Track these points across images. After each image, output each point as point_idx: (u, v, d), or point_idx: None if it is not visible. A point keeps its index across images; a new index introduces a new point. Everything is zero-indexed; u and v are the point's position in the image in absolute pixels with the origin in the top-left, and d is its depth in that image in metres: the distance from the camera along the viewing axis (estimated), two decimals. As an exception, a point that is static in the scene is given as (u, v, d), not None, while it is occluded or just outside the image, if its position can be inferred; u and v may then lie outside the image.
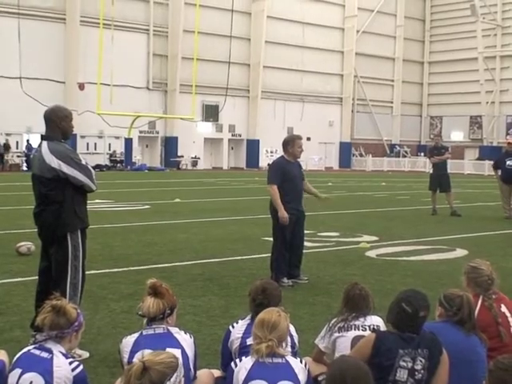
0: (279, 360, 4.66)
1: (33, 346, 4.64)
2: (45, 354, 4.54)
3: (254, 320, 5.08)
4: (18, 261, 12.24)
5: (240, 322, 5.60)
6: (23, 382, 4.47)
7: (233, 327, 5.59)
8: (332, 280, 11.26)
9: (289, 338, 5.07)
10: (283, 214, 10.88)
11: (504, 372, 4.01)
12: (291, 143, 11.30)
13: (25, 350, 4.66)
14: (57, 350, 4.57)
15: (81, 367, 4.57)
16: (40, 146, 7.34)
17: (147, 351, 4.48)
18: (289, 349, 5.03)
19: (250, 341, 5.23)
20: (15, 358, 4.64)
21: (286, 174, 11.08)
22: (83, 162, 7.32)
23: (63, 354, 4.57)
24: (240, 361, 4.79)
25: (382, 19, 72.53)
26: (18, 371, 4.50)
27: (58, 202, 7.22)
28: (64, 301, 4.73)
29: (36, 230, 7.61)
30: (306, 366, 4.83)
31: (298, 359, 4.84)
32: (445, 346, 5.11)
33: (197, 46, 55.05)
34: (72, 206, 7.27)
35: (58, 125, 7.33)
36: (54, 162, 7.13)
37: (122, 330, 7.56)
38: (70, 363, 4.54)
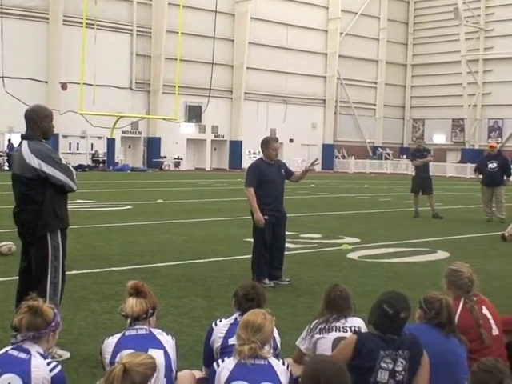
0: (261, 362, 4.65)
1: (10, 347, 4.60)
2: (23, 355, 4.50)
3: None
4: (-1, 261, 12.18)
5: (224, 320, 5.59)
6: (1, 383, 4.43)
7: (215, 325, 5.59)
8: (314, 281, 11.27)
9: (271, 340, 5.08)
10: (259, 216, 10.90)
11: (486, 373, 4.04)
12: (265, 145, 11.31)
13: (2, 350, 4.61)
14: (35, 350, 4.54)
15: (59, 367, 4.54)
16: (20, 145, 7.30)
17: (126, 352, 4.46)
18: (271, 350, 5.04)
19: (232, 341, 5.23)
20: (-7, 359, 4.61)
21: (264, 176, 11.06)
22: (63, 162, 7.30)
23: (41, 355, 4.54)
24: (222, 361, 4.78)
25: (366, 22, 72.76)
26: (-5, 372, 4.47)
27: (38, 201, 7.18)
28: (40, 301, 4.69)
29: (16, 229, 7.58)
30: (288, 367, 4.82)
31: (281, 361, 4.83)
32: (424, 347, 5.13)
33: (180, 46, 54.97)
34: (52, 205, 7.23)
35: (39, 124, 7.29)
36: (34, 161, 7.09)
37: (104, 331, 7.53)
38: (48, 363, 4.51)
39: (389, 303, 5.06)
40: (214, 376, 4.75)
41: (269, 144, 11.32)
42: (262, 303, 5.50)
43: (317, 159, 12.83)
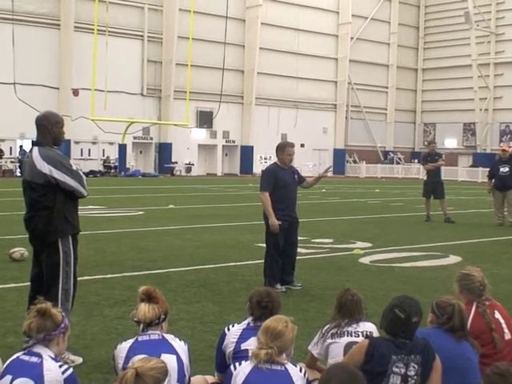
0: (278, 367, 4.66)
1: (22, 352, 4.62)
2: (34, 359, 4.53)
3: (256, 323, 5.11)
4: (12, 267, 12.21)
5: (236, 325, 5.59)
6: (15, 388, 4.46)
7: (228, 330, 5.59)
8: (325, 286, 11.26)
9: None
10: (273, 221, 10.87)
11: (499, 377, 4.03)
12: (281, 150, 11.31)
13: (14, 356, 4.64)
14: (46, 354, 4.56)
15: (71, 370, 4.56)
16: (31, 151, 7.33)
17: (137, 357, 4.48)
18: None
19: (244, 346, 5.26)
20: (5, 365, 4.62)
21: (279, 181, 11.06)
22: (74, 168, 7.32)
23: (52, 358, 4.56)
24: (239, 364, 4.80)
25: (376, 26, 72.66)
26: (8, 378, 4.47)
27: (49, 207, 7.21)
28: (48, 304, 4.71)
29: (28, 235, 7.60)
30: (305, 374, 4.83)
31: (298, 367, 4.82)
32: (436, 352, 5.12)
33: (191, 52, 55.04)
34: (63, 211, 7.25)
35: (50, 131, 7.32)
36: (44, 167, 7.11)
37: (116, 336, 7.56)
38: (60, 366, 4.53)
39: (400, 307, 5.05)
40: (230, 378, 4.77)
41: (284, 149, 11.32)
42: (276, 310, 5.46)
43: (330, 166, 12.83)
